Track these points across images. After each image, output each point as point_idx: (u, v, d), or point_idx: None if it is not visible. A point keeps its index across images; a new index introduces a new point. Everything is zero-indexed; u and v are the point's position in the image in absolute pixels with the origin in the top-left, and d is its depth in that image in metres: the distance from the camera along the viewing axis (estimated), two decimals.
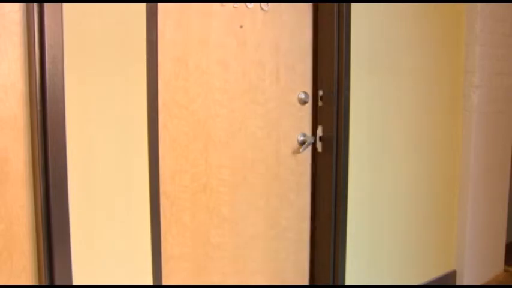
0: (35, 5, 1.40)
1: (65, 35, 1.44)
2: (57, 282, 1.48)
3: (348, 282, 2.38)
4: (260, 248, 2.24)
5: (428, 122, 2.74)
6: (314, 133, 2.34)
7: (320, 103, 2.32)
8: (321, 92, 2.31)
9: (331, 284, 2.34)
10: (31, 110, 1.44)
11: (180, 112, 1.93)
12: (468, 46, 2.86)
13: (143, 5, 1.66)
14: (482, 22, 2.84)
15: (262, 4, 2.09)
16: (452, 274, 2.98)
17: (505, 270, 3.26)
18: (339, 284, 2.33)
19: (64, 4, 1.44)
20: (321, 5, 2.29)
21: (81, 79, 1.52)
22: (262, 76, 2.14)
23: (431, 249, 2.86)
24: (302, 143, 2.28)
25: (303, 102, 2.25)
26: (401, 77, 2.55)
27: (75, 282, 1.54)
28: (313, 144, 2.36)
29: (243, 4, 2.04)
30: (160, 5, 1.81)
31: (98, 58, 1.56)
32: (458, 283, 2.98)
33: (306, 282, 2.43)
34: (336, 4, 2.21)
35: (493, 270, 3.19)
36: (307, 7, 2.28)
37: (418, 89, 2.65)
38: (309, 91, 2.31)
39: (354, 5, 2.25)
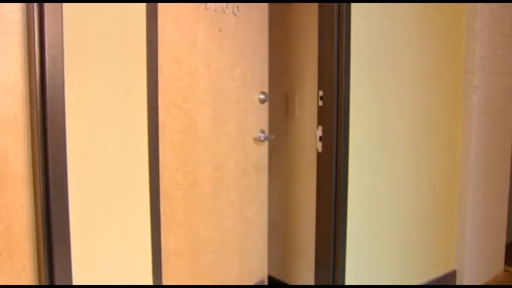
0: (35, 5, 1.40)
1: (65, 35, 1.44)
2: (57, 282, 1.48)
3: (348, 282, 2.38)
4: (234, 241, 2.33)
5: (428, 122, 2.74)
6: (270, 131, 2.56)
7: (320, 103, 2.32)
8: (321, 92, 2.31)
9: (331, 284, 2.34)
10: (31, 110, 1.44)
11: (175, 111, 1.97)
12: (468, 46, 2.86)
13: (143, 5, 1.66)
14: (482, 22, 2.84)
15: (235, 9, 2.17)
16: (452, 274, 2.98)
17: (505, 270, 3.26)
18: (339, 284, 2.33)
19: (64, 4, 1.44)
20: (321, 5, 2.29)
21: (81, 79, 1.52)
22: (234, 77, 2.22)
23: (431, 249, 2.86)
24: (261, 140, 2.39)
25: (263, 101, 2.38)
26: (401, 77, 2.55)
27: (75, 282, 1.54)
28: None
29: (220, 8, 2.11)
30: (159, 5, 1.82)
31: (98, 58, 1.56)
32: (458, 283, 2.98)
33: (266, 272, 2.54)
34: (336, 4, 2.21)
35: (493, 270, 3.19)
36: (266, 9, 2.37)
37: (418, 89, 2.65)
38: (267, 91, 2.44)
39: (354, 5, 2.25)
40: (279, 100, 2.72)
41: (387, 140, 2.53)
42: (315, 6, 2.39)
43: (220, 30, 2.11)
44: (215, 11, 2.08)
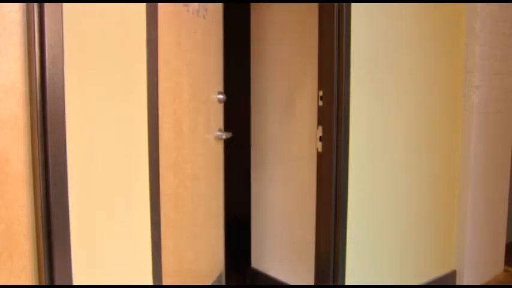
0: (35, 5, 1.39)
1: (65, 35, 1.44)
2: (57, 282, 1.48)
3: (348, 282, 2.38)
4: (204, 237, 2.42)
5: (428, 122, 2.74)
6: (226, 129, 2.66)
7: (320, 103, 2.32)
8: (321, 92, 2.31)
9: (331, 284, 2.34)
10: (31, 110, 1.44)
11: (167, 111, 2.00)
12: (468, 46, 2.86)
13: (143, 5, 1.66)
14: (482, 22, 2.84)
15: (204, 12, 2.25)
16: (452, 274, 2.98)
17: (505, 270, 3.26)
18: (339, 284, 2.33)
19: (64, 4, 1.44)
20: (321, 5, 2.29)
21: (81, 79, 1.52)
22: (203, 78, 2.29)
23: (431, 249, 2.86)
24: (221, 138, 2.48)
25: (222, 101, 2.48)
26: (401, 77, 2.55)
27: (75, 282, 1.54)
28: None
29: (196, 11, 2.17)
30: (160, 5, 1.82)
31: (98, 58, 1.56)
32: (458, 283, 2.98)
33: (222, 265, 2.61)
34: (336, 4, 2.21)
35: (493, 270, 3.19)
36: (220, 9, 2.45)
37: (418, 89, 2.65)
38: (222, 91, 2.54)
39: (354, 5, 2.25)
40: (279, 100, 2.72)
41: (387, 140, 2.53)
42: (314, 6, 2.40)
43: (195, 32, 2.19)
44: (192, 13, 2.15)
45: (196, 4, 2.16)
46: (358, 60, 2.31)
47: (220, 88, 2.51)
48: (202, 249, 2.38)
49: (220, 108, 2.51)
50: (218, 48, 2.47)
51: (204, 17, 2.26)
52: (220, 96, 2.45)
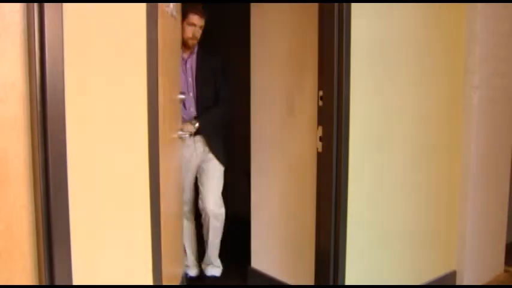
0: (35, 5, 1.39)
1: (65, 35, 1.44)
2: (57, 282, 1.48)
3: (348, 282, 2.38)
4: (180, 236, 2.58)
5: (428, 122, 2.74)
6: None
7: (320, 103, 2.32)
8: (321, 92, 2.31)
9: (331, 284, 2.34)
10: (31, 110, 1.44)
11: (164, 110, 2.00)
12: (468, 46, 2.86)
13: (143, 5, 1.66)
14: (482, 22, 2.84)
15: (174, 12, 2.30)
16: (452, 274, 2.98)
17: (505, 271, 3.26)
18: (339, 284, 2.33)
19: (64, 4, 1.44)
20: (321, 5, 2.29)
21: (81, 79, 1.52)
22: (171, 79, 2.32)
23: (432, 250, 2.86)
24: (182, 137, 2.62)
25: (181, 101, 2.63)
26: (402, 77, 2.55)
27: (75, 282, 1.53)
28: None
29: (171, 11, 2.22)
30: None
31: (98, 58, 1.56)
32: (458, 283, 2.98)
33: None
34: (336, 4, 2.21)
35: (493, 270, 3.19)
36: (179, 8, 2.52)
37: (418, 89, 2.65)
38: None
39: (354, 5, 2.25)
40: (279, 100, 2.72)
41: (387, 140, 2.53)
42: (315, 6, 2.39)
43: (173, 32, 2.29)
44: (172, 14, 2.21)
45: (171, 4, 2.20)
46: (358, 60, 2.31)
47: (180, 88, 2.70)
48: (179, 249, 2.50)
49: (179, 108, 2.63)
50: (177, 48, 2.59)
51: (175, 18, 2.34)
52: (181, 96, 2.59)
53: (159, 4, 1.94)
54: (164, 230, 1.96)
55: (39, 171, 1.44)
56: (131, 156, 1.68)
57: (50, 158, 1.43)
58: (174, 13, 2.30)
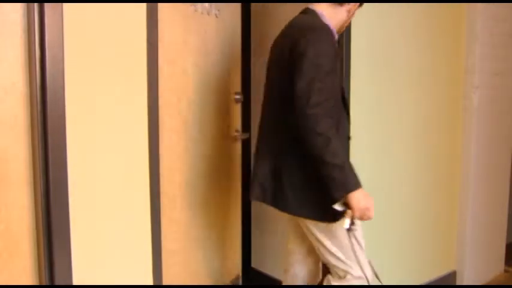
0: (35, 5, 1.39)
1: (65, 35, 1.44)
2: (57, 282, 1.48)
3: None
4: (217, 238, 2.41)
5: (429, 122, 2.73)
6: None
7: None
8: None
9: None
10: (31, 110, 1.44)
11: (171, 111, 1.99)
12: (468, 46, 2.86)
13: (143, 5, 1.66)
14: (483, 22, 2.84)
15: (216, 11, 2.22)
16: (452, 274, 2.98)
17: (505, 271, 3.26)
18: None
19: (64, 4, 1.44)
20: None
21: (81, 79, 1.52)
22: (216, 77, 2.27)
23: (431, 249, 2.85)
24: (237, 138, 2.46)
25: (239, 101, 2.45)
26: (402, 77, 2.55)
27: (75, 282, 1.54)
28: None
29: (206, 11, 2.16)
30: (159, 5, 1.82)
31: (98, 58, 1.56)
32: (458, 283, 2.98)
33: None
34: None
35: (493, 270, 3.19)
36: (238, 9, 2.42)
37: (418, 89, 2.65)
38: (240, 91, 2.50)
39: None
40: None
41: (387, 140, 2.53)
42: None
43: (205, 32, 2.18)
44: (202, 13, 2.14)
45: (206, 4, 2.15)
46: (358, 60, 2.31)
47: (237, 88, 2.47)
48: (213, 251, 2.38)
49: (237, 108, 2.47)
50: (234, 46, 2.42)
51: (216, 16, 2.23)
52: (237, 97, 2.43)
53: (181, 4, 1.95)
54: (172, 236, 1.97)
55: (39, 171, 1.44)
56: (131, 156, 1.68)
57: (50, 158, 1.43)
58: (215, 12, 2.22)
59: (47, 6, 1.39)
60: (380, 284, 1.89)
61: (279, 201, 1.75)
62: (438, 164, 2.83)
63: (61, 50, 1.44)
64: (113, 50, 1.59)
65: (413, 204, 2.72)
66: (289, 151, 1.72)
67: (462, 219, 2.95)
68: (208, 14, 2.17)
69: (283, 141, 1.74)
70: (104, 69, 1.58)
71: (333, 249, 1.79)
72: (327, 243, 1.78)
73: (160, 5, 1.80)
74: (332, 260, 1.81)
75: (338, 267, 1.81)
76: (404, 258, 2.70)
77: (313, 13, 1.81)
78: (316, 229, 1.77)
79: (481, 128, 2.93)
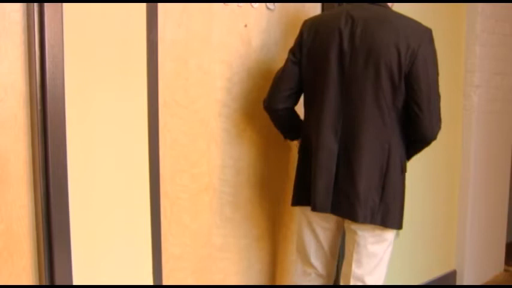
0: (35, 5, 1.39)
1: (65, 35, 1.44)
2: (57, 282, 1.48)
3: None
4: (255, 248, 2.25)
5: None
6: None
7: None
8: None
9: (331, 283, 2.34)
10: (31, 110, 1.44)
11: (180, 112, 1.92)
12: (468, 46, 2.86)
13: (143, 5, 1.66)
14: (483, 22, 2.84)
15: (268, 4, 2.07)
16: (452, 274, 2.98)
17: (505, 270, 3.26)
18: (339, 283, 2.33)
19: (64, 4, 1.44)
20: (322, 5, 2.29)
21: (81, 79, 1.52)
22: (266, 76, 2.11)
23: (431, 249, 2.85)
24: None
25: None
26: None
27: (75, 282, 1.54)
28: None
29: (247, 3, 2.02)
30: (159, 5, 1.81)
31: (98, 58, 1.56)
32: (458, 283, 2.98)
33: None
34: (335, 4, 2.21)
35: (493, 270, 3.19)
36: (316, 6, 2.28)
37: None
38: None
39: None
40: None
41: None
42: (317, 6, 2.39)
43: (246, 26, 1.99)
44: (238, 5, 1.98)
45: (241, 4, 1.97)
46: None
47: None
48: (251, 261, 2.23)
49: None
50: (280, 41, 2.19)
51: (268, 8, 2.07)
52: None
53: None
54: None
55: (39, 170, 1.44)
56: (131, 156, 1.68)
57: (50, 158, 1.43)
58: (268, 5, 2.06)
59: (47, 6, 1.39)
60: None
61: (388, 220, 1.74)
62: (438, 163, 2.83)
63: (61, 49, 1.44)
64: (113, 49, 1.59)
65: (412, 204, 2.71)
66: (396, 166, 1.73)
67: (462, 218, 2.95)
68: (252, 6, 2.00)
69: (390, 154, 1.69)
70: (104, 69, 1.58)
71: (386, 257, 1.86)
72: (387, 252, 1.89)
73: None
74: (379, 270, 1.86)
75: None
76: (404, 257, 2.70)
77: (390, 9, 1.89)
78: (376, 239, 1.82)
79: (481, 127, 2.93)
